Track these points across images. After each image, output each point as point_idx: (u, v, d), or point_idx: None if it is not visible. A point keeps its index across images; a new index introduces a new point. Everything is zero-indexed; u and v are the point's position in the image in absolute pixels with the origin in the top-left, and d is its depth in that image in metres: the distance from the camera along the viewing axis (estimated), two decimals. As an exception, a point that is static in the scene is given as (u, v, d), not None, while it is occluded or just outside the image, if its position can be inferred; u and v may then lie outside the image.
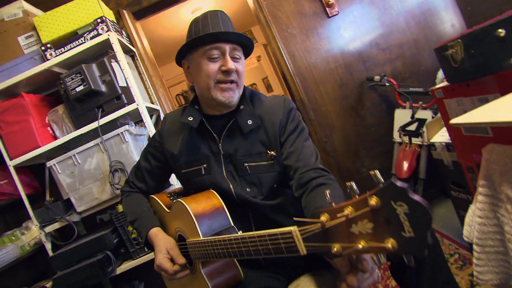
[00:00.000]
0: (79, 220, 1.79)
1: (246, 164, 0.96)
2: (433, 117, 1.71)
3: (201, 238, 0.83)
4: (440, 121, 1.52)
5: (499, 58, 0.79)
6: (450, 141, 1.31)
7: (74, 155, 1.68)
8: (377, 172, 0.46)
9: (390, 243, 0.42)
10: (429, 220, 0.40)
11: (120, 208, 1.75)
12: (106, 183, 1.69)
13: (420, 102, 1.81)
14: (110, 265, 1.68)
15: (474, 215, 0.77)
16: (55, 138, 1.78)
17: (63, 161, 1.69)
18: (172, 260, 0.93)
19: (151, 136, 1.73)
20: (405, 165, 1.75)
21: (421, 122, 1.76)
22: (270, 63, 5.01)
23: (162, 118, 1.13)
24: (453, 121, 0.71)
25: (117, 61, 1.75)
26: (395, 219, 0.42)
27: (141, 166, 1.13)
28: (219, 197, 0.93)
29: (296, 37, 2.11)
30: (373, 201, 0.43)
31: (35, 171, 1.99)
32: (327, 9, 2.07)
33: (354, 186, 0.48)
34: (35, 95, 1.83)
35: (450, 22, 2.12)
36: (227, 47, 0.92)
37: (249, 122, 0.96)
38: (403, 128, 1.82)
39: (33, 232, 1.89)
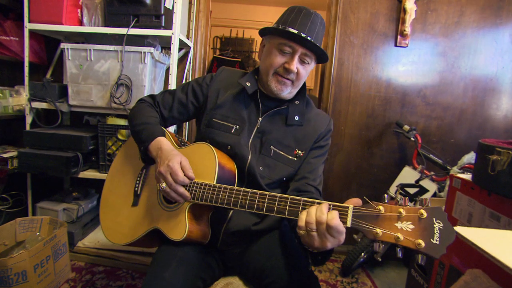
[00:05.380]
0: (67, 112, 1.76)
1: (273, 147, 1.01)
2: (436, 193, 1.66)
3: (215, 183, 0.86)
4: (441, 204, 1.47)
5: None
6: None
7: (90, 49, 1.61)
8: (428, 199, 0.72)
9: (420, 241, 0.59)
10: (452, 238, 0.59)
11: (109, 120, 1.72)
12: (108, 92, 1.64)
13: (432, 173, 1.76)
14: (75, 167, 1.68)
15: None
16: (80, 23, 1.70)
17: (78, 50, 1.62)
18: None
19: (170, 68, 1.67)
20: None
21: (422, 191, 1.71)
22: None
23: (218, 68, 1.14)
24: (459, 230, 0.67)
25: (174, -21, 1.64)
26: (431, 229, 0.60)
27: (176, 95, 1.10)
28: (235, 165, 0.98)
29: (355, 47, 1.98)
30: (423, 212, 0.61)
31: (49, 44, 1.92)
32: (398, 37, 1.93)
33: (407, 199, 0.76)
34: (81, -29, 1.72)
35: (505, 112, 2.01)
36: (299, 50, 0.94)
37: (296, 118, 1.03)
38: (402, 187, 1.78)
39: (21, 99, 1.86)
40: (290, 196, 0.76)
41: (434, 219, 0.60)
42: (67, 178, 2.08)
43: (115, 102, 1.62)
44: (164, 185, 0.85)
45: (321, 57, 1.00)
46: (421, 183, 1.73)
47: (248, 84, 1.03)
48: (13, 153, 1.73)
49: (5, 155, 1.64)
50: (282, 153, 1.01)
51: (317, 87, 3.94)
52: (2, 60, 1.82)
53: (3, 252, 1.55)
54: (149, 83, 1.65)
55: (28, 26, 1.66)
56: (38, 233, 1.63)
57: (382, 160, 2.09)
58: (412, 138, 1.85)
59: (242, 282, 1.00)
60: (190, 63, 2.04)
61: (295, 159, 1.02)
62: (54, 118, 1.74)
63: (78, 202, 1.89)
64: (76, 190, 1.96)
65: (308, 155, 1.04)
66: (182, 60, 2.00)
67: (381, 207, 0.65)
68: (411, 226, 0.62)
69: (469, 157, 1.58)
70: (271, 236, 1.01)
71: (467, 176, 1.04)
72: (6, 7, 1.81)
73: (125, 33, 1.59)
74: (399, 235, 0.61)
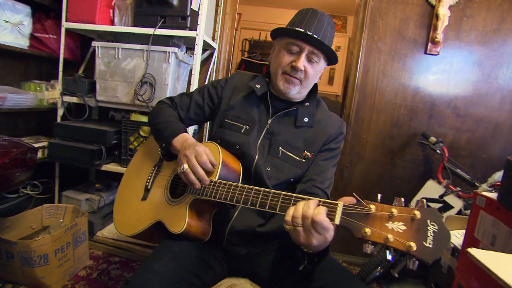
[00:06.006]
0: (94, 106, 1.85)
1: (281, 148, 1.01)
2: (461, 210, 1.56)
3: (216, 179, 0.88)
4: (463, 222, 1.38)
5: None
6: (459, 247, 1.19)
7: (118, 48, 1.69)
8: (424, 200, 0.60)
9: (412, 244, 0.56)
10: (447, 242, 0.56)
11: (132, 116, 1.79)
12: (132, 89, 1.70)
13: (458, 188, 1.65)
14: (99, 159, 1.76)
15: None
16: (112, 23, 1.79)
17: (107, 48, 1.71)
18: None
19: (193, 68, 1.70)
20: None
21: (446, 207, 1.61)
22: (345, 59, 4.71)
23: (232, 72, 1.19)
24: (475, 253, 0.62)
25: (201, -18, 1.67)
26: (424, 231, 0.57)
27: (193, 97, 1.15)
28: (241, 167, 0.99)
29: (381, 54, 1.92)
30: (417, 213, 0.58)
31: (84, 42, 2.03)
32: (429, 44, 1.84)
33: (403, 200, 0.64)
34: (115, -26, 1.80)
35: (546, 128, 1.85)
36: (306, 48, 0.95)
37: (306, 119, 1.03)
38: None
39: (55, 93, 1.98)
40: (283, 193, 0.76)
41: (428, 221, 0.57)
42: (92, 169, 2.18)
43: (138, 99, 1.68)
44: (185, 165, 0.87)
45: (330, 57, 1.00)
46: (445, 198, 1.63)
47: (258, 86, 1.05)
48: (44, 143, 1.84)
49: (36, 145, 1.75)
50: (290, 154, 1.01)
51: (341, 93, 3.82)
52: (41, 57, 1.95)
53: (30, 234, 1.66)
54: (172, 82, 1.70)
55: (64, 25, 1.77)
56: (61, 220, 1.72)
57: (405, 172, 2.00)
58: (438, 151, 1.75)
59: (250, 284, 0.99)
60: (214, 64, 2.07)
61: (304, 160, 1.01)
62: (84, 112, 1.84)
63: (100, 193, 1.98)
64: (99, 181, 2.05)
65: (317, 157, 1.03)
66: (206, 61, 2.04)
67: (372, 206, 0.63)
68: (403, 227, 0.59)
69: (501, 175, 1.46)
70: (282, 242, 1.01)
71: (493, 195, 0.97)
72: (47, 7, 1.94)
73: (151, 33, 1.65)
74: (389, 235, 0.58)
